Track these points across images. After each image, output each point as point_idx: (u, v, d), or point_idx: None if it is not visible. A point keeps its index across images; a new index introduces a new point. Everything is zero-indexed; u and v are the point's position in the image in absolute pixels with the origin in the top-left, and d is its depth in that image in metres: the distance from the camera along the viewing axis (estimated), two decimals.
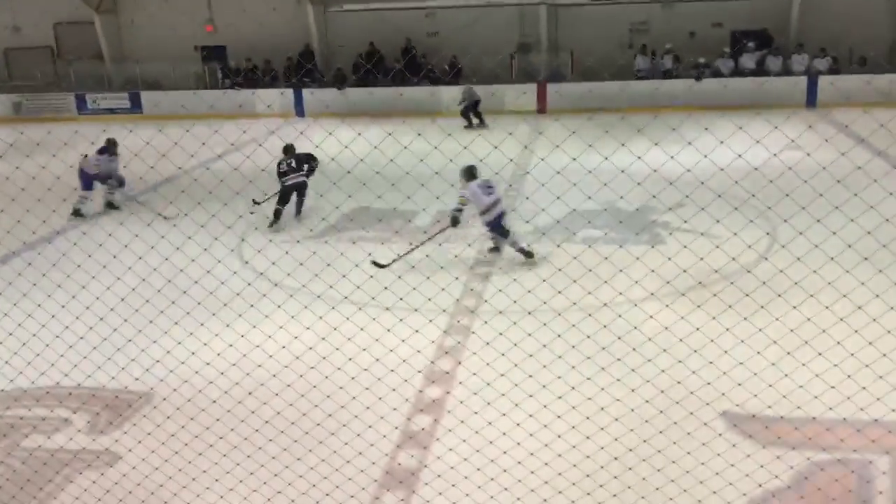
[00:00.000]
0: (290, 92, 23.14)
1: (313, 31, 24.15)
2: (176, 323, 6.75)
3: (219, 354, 6.23)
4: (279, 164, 12.00)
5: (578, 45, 22.95)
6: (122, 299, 6.61)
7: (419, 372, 6.76)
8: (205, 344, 6.42)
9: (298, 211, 12.31)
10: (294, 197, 12.13)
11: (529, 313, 6.52)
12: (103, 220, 12.60)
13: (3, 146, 16.91)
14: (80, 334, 6.55)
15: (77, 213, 12.85)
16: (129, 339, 6.50)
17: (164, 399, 6.45)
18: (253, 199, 12.39)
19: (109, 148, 13.12)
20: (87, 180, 12.98)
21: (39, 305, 6.24)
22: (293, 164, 12.00)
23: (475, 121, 20.19)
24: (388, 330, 6.17)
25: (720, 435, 5.75)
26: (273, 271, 8.71)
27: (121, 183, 13.36)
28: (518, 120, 19.76)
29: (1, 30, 26.39)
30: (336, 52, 24.17)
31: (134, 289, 6.45)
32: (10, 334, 6.25)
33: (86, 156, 12.89)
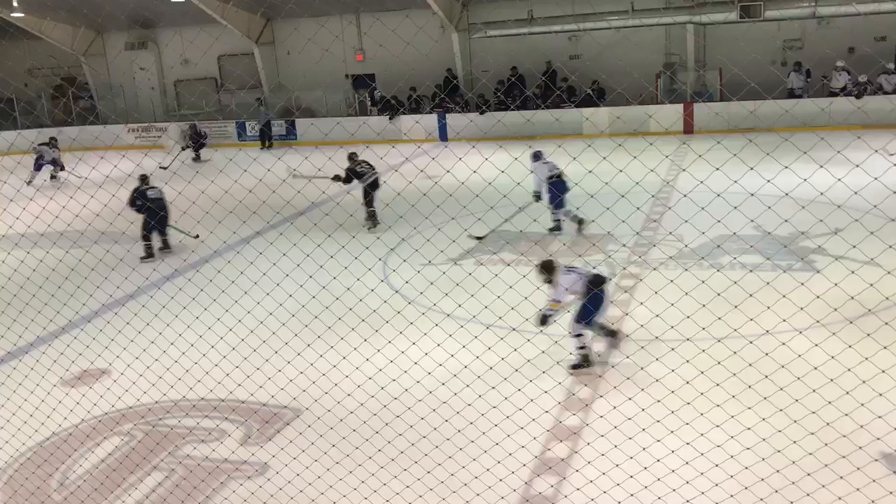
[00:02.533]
0: (433, 117, 23.66)
1: (457, 57, 24.61)
2: (318, 336, 6.99)
3: (357, 368, 6.40)
4: (354, 168, 13.30)
5: (727, 64, 22.18)
6: (270, 313, 6.92)
7: (558, 403, 6.67)
8: (344, 358, 6.61)
9: (372, 204, 13.35)
10: (374, 193, 13.34)
11: (688, 339, 6.30)
12: (245, 247, 13.25)
13: (172, 170, 18.18)
14: (233, 346, 6.91)
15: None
16: (275, 351, 6.79)
17: (307, 409, 6.68)
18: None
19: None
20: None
21: (197, 317, 6.64)
22: (368, 164, 13.39)
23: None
24: (513, 348, 6.12)
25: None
26: (410, 291, 8.87)
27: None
28: (664, 140, 19.29)
29: (172, 63, 28.56)
30: (479, 76, 24.51)
31: (280, 304, 6.75)
32: (171, 344, 6.68)
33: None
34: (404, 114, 24.25)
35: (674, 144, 19.74)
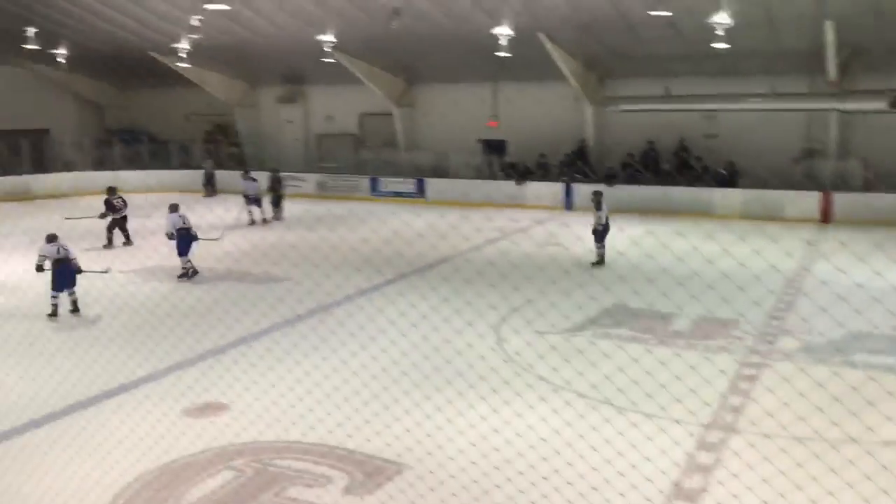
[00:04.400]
0: (561, 186, 23.82)
1: (589, 128, 24.79)
2: (427, 397, 7.16)
3: (457, 424, 6.49)
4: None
5: (872, 154, 21.29)
6: (383, 369, 7.17)
7: (674, 483, 6.54)
8: (448, 421, 6.73)
9: None
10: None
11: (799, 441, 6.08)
12: (374, 296, 13.67)
13: (312, 219, 19.10)
14: (346, 397, 7.18)
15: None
16: (386, 407, 7.00)
17: (410, 466, 6.83)
18: None
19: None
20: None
21: (317, 367, 6.96)
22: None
23: None
24: (617, 425, 6.06)
25: None
26: (527, 356, 8.93)
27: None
28: (798, 228, 18.64)
29: (318, 119, 30.13)
30: (609, 149, 24.55)
31: (393, 361, 6.99)
32: (290, 389, 7.02)
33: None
34: (532, 180, 24.54)
35: (809, 231, 19.03)
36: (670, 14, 15.68)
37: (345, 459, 7.38)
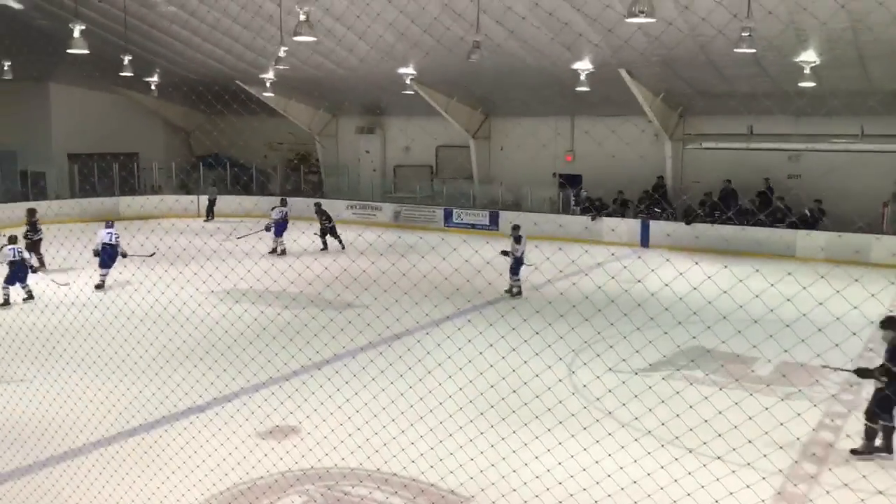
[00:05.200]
0: (637, 222, 23.51)
1: (668, 165, 24.45)
2: (492, 426, 7.08)
3: (522, 456, 6.38)
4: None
5: None
6: (449, 396, 7.13)
7: None
8: (514, 452, 6.64)
9: None
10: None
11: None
12: (443, 323, 13.66)
13: (385, 246, 19.29)
14: (411, 422, 7.16)
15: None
16: (450, 434, 6.95)
17: (472, 496, 6.74)
18: None
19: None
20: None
21: (383, 390, 6.97)
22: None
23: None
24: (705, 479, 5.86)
25: None
26: (597, 391, 8.77)
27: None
28: (885, 272, 17.89)
29: (395, 149, 30.60)
30: (689, 186, 24.15)
31: (460, 388, 6.94)
32: (357, 412, 7.05)
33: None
34: (608, 215, 24.31)
35: None
36: (755, 52, 15.39)
37: (410, 487, 7.35)
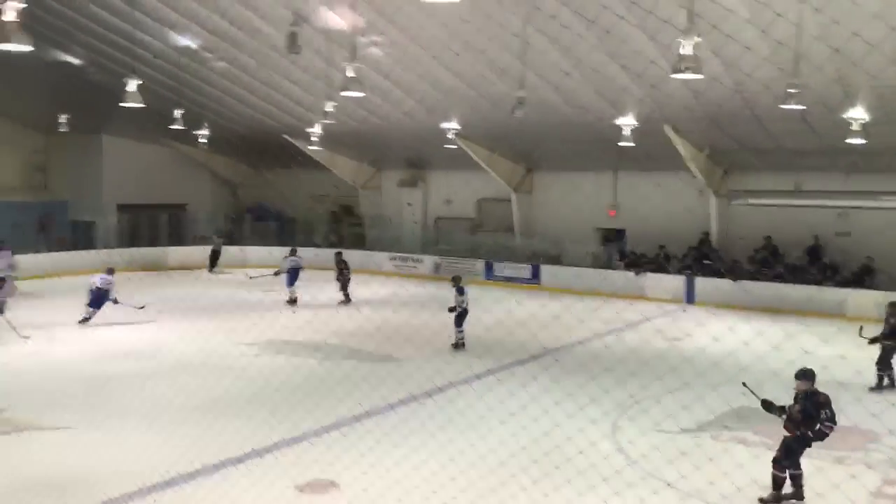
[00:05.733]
0: (682, 277, 23.17)
1: (713, 221, 24.15)
2: (535, 483, 6.91)
3: None
4: None
5: None
6: (491, 450, 6.98)
7: None
8: None
9: None
10: None
11: None
12: (486, 378, 13.48)
13: (427, 298, 19.28)
14: (452, 476, 7.00)
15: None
16: (493, 490, 6.79)
17: None
18: None
19: None
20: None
21: (423, 444, 6.85)
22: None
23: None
24: None
25: None
26: (642, 449, 8.53)
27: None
28: None
29: (436, 202, 30.79)
30: (734, 243, 23.79)
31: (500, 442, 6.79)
32: (396, 464, 6.92)
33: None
34: (652, 271, 24.00)
35: None
36: (803, 108, 15.25)
37: None
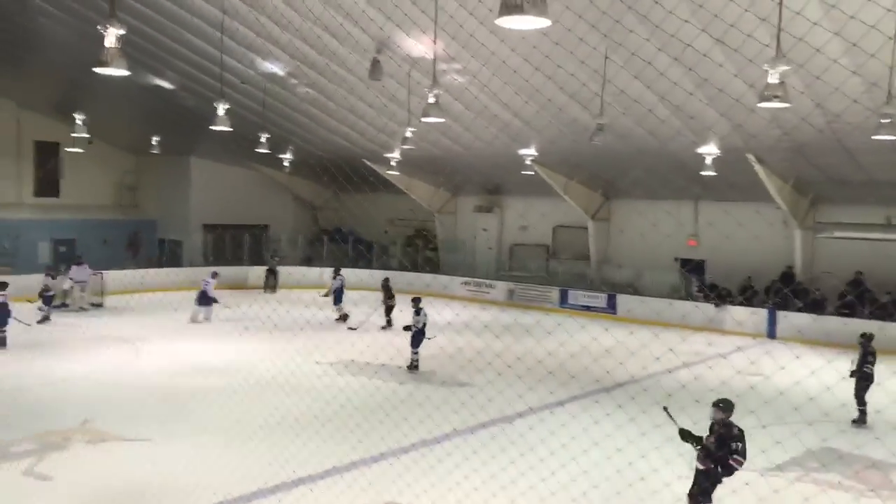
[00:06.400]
0: (764, 312, 22.52)
1: (798, 255, 23.44)
2: None
3: None
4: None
5: None
6: (563, 486, 6.91)
7: None
8: None
9: None
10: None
11: None
12: (557, 410, 13.34)
13: (501, 327, 19.25)
14: None
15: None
16: None
17: None
18: None
19: None
20: None
21: (493, 477, 6.84)
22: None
23: None
24: None
25: None
26: (718, 491, 8.30)
27: None
28: None
29: (513, 229, 30.80)
30: (819, 277, 23.02)
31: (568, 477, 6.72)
32: (475, 489, 6.93)
33: None
34: (733, 303, 23.39)
35: None
36: (894, 139, 14.74)
37: None
